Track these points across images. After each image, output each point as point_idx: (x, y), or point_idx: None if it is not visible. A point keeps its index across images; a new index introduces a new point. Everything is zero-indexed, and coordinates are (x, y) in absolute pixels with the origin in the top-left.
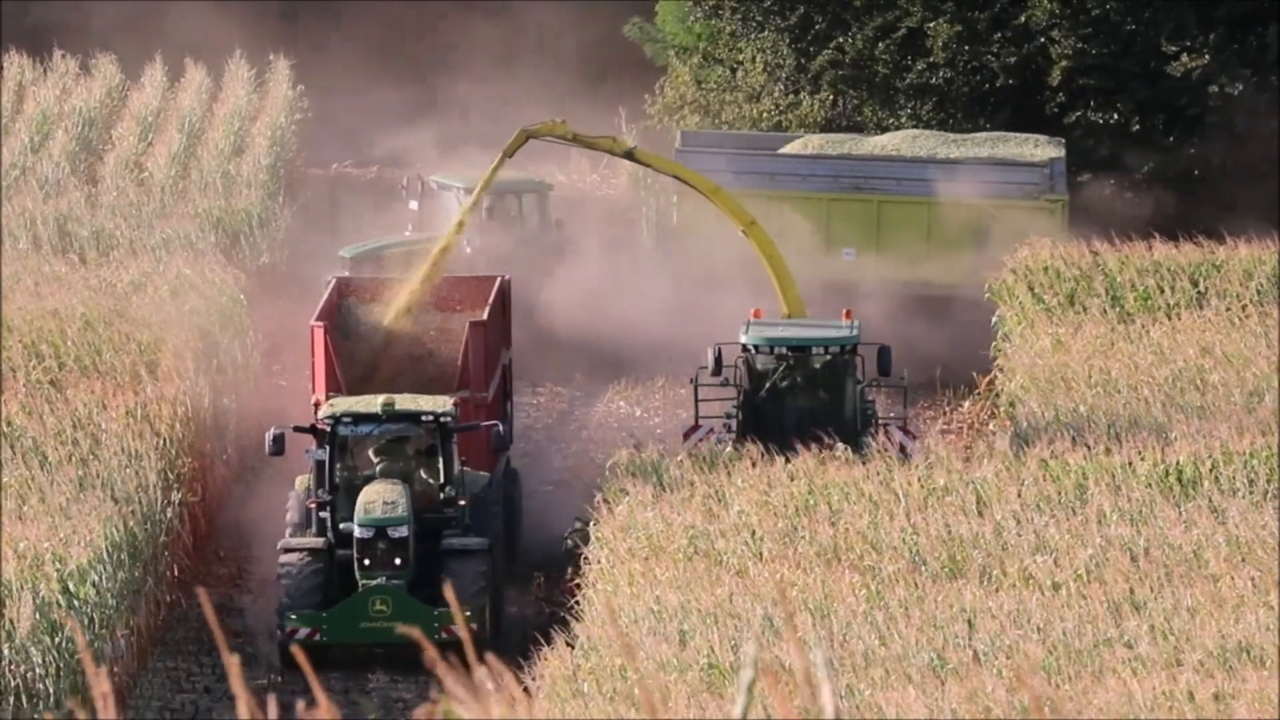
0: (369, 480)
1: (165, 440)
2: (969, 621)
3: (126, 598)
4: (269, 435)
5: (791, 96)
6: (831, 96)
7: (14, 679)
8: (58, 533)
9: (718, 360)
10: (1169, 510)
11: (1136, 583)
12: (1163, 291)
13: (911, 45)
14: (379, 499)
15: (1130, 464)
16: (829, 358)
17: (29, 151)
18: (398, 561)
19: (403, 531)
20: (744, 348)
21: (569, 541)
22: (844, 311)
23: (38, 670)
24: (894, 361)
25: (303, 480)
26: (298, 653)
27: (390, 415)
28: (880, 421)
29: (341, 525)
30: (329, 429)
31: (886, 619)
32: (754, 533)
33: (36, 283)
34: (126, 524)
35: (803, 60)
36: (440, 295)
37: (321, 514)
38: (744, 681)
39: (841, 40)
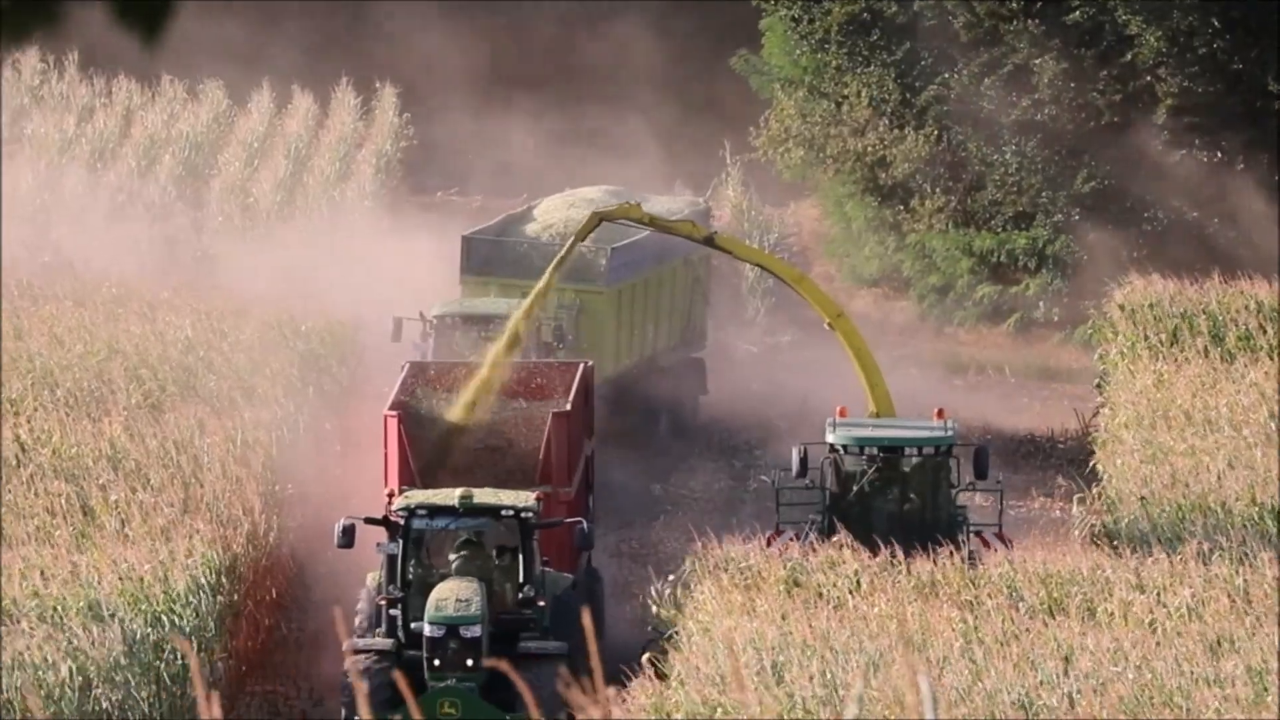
0: (443, 578)
1: (265, 466)
2: (1065, 658)
3: (226, 621)
4: (338, 527)
5: (896, 131)
6: (936, 132)
7: (107, 703)
8: (158, 555)
9: (803, 461)
10: (1268, 551)
11: (1235, 623)
12: (1265, 331)
13: (1017, 81)
14: (451, 596)
15: (1227, 504)
16: (921, 460)
17: (135, 175)
18: (469, 662)
19: (475, 631)
20: (831, 448)
21: (645, 657)
22: (936, 410)
23: (134, 694)
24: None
25: (374, 576)
26: None
27: (468, 509)
28: (972, 527)
29: (413, 625)
30: (403, 522)
31: (985, 654)
32: (852, 566)
33: (144, 306)
34: (229, 547)
35: (908, 95)
36: (521, 383)
37: (392, 612)
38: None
39: (947, 76)
